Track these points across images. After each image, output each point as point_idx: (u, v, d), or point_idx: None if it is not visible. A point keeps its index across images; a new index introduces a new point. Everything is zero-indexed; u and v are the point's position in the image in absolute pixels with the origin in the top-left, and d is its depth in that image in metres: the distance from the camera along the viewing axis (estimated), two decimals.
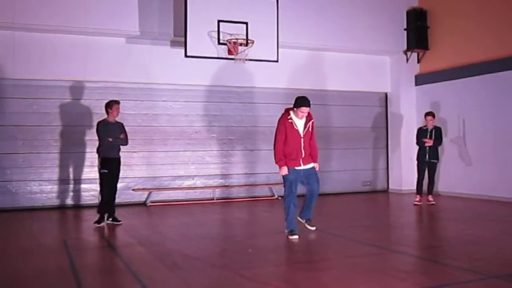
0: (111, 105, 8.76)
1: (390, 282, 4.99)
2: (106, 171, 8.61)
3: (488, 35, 11.61)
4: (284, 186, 7.37)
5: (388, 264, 5.89)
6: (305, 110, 7.15)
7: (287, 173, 7.22)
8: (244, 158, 12.36)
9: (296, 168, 7.28)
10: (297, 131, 7.25)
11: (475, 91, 11.87)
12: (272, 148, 7.39)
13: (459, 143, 12.25)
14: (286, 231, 7.26)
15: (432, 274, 5.39)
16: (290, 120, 7.23)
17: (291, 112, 7.28)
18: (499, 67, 11.27)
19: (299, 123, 7.27)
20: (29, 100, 10.67)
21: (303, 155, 7.27)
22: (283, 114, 7.38)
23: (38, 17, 10.10)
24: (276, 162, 7.31)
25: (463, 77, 12.16)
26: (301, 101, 7.16)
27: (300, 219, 7.61)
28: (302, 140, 7.25)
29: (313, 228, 7.54)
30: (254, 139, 12.45)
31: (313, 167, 7.43)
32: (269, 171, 12.47)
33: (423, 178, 11.06)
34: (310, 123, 7.34)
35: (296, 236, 7.10)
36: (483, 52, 11.67)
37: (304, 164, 7.32)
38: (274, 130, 7.45)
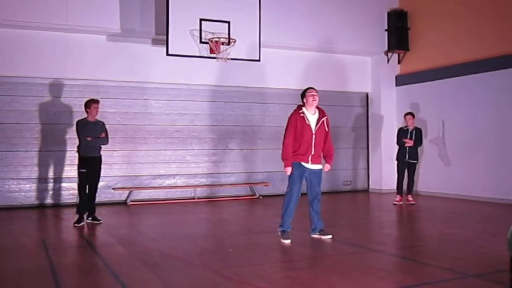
0: (89, 105, 8.70)
1: (370, 281, 5.02)
2: (84, 170, 8.55)
3: (468, 36, 11.74)
4: (288, 182, 7.12)
5: (367, 263, 5.92)
6: (313, 91, 7.02)
7: (288, 174, 7.01)
8: (225, 157, 12.35)
9: (303, 164, 7.01)
10: (309, 126, 6.96)
11: (455, 92, 12.00)
12: (281, 145, 7.09)
13: (439, 144, 12.37)
14: (279, 229, 7.08)
15: (411, 273, 5.43)
16: (302, 114, 7.00)
17: (303, 108, 7.07)
18: (479, 68, 11.40)
19: (312, 118, 7.01)
20: (7, 98, 10.54)
21: (312, 153, 6.98)
22: (295, 110, 7.14)
23: (18, 13, 9.98)
24: (282, 159, 7.05)
25: (443, 78, 12.29)
26: (307, 88, 7.10)
27: (315, 235, 7.15)
28: (314, 136, 6.96)
29: (329, 237, 7.06)
30: (235, 138, 12.44)
31: (321, 170, 7.15)
32: (251, 170, 12.52)
33: (403, 178, 11.14)
34: (324, 119, 7.06)
35: (288, 241, 6.87)
36: (463, 54, 11.80)
37: (313, 163, 7.01)
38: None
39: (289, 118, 7.13)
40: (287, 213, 7.05)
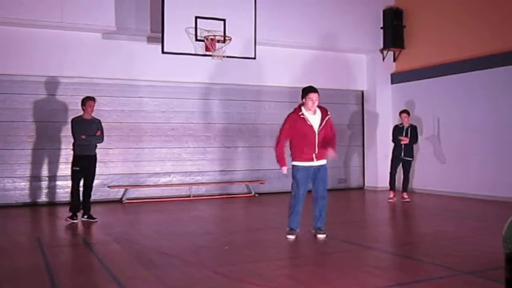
0: (84, 102, 8.70)
1: (365, 278, 5.03)
2: (77, 168, 8.54)
3: (464, 34, 11.75)
4: (292, 184, 7.01)
5: (363, 260, 5.94)
6: (313, 96, 6.80)
7: (285, 172, 7.02)
8: (221, 155, 12.34)
9: (307, 164, 6.88)
10: (311, 126, 6.81)
11: (451, 89, 12.02)
12: (274, 146, 7.03)
13: (434, 141, 12.40)
14: (287, 228, 7.01)
15: (406, 270, 5.44)
16: (302, 116, 6.84)
17: (302, 108, 6.92)
18: (474, 66, 11.41)
19: (313, 118, 6.86)
20: (2, 96, 10.50)
21: (316, 151, 6.87)
22: (294, 110, 6.99)
23: (13, 11, 9.92)
24: (277, 161, 7.00)
25: (438, 76, 12.30)
26: (307, 89, 6.88)
27: (313, 231, 7.08)
28: (316, 136, 6.82)
29: (323, 236, 6.97)
30: (231, 136, 12.44)
31: (325, 166, 7.01)
32: (246, 168, 12.51)
33: (395, 174, 11.17)
34: (327, 118, 6.92)
35: (293, 236, 6.88)
36: (458, 51, 11.82)
37: (317, 159, 6.89)
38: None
39: (286, 118, 7.00)
40: (293, 214, 6.97)
